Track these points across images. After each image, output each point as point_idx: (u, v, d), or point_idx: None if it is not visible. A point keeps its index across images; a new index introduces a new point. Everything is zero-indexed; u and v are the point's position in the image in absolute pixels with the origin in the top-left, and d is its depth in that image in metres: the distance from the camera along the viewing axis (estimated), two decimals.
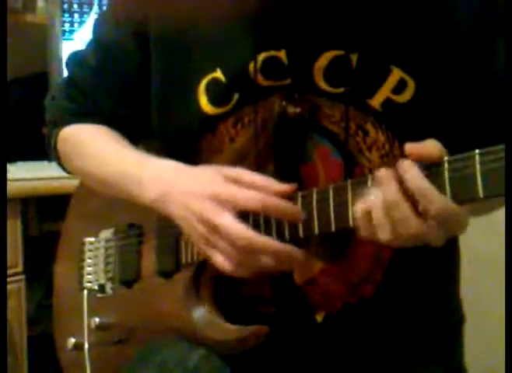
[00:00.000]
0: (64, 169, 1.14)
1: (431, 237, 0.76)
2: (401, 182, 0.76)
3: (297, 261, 0.86)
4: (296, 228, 0.86)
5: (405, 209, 0.75)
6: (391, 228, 0.76)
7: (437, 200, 0.73)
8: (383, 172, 0.77)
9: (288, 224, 0.86)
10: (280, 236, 0.87)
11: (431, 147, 0.75)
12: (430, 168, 0.75)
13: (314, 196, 0.84)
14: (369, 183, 0.79)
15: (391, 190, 0.76)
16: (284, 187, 0.86)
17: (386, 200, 0.76)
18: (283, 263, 0.86)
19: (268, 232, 0.87)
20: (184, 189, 0.89)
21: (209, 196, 0.86)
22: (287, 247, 0.85)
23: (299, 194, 0.86)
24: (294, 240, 0.86)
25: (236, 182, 0.87)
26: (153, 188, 0.92)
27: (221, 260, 0.86)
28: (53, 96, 1.14)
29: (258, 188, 0.86)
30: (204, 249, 0.88)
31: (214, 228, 0.85)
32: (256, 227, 0.88)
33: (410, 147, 0.76)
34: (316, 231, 0.84)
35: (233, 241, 0.84)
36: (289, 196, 0.86)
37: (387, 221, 0.76)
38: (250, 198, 0.85)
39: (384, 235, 0.77)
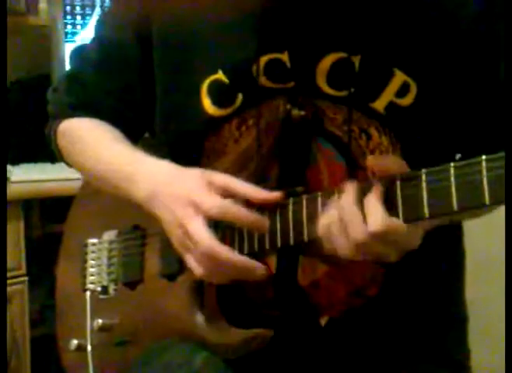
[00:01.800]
0: (65, 162, 1.14)
1: (381, 253, 0.77)
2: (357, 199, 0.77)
3: (258, 275, 0.86)
4: (287, 236, 0.86)
5: (357, 225, 0.76)
6: (348, 243, 0.77)
7: (381, 219, 0.74)
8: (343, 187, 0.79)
9: (280, 232, 0.86)
10: (271, 243, 0.87)
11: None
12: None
13: (304, 204, 0.85)
14: (336, 195, 0.80)
15: (347, 204, 0.77)
16: (271, 195, 0.87)
17: (342, 215, 0.77)
18: (243, 275, 0.87)
19: (260, 240, 0.88)
20: (171, 192, 0.90)
21: (190, 202, 0.87)
22: (244, 260, 0.86)
23: (291, 201, 0.86)
24: (297, 243, 0.86)
25: (223, 189, 0.87)
26: (144, 187, 0.93)
27: (193, 265, 0.88)
28: (55, 88, 1.14)
29: (245, 196, 0.86)
30: (181, 252, 0.90)
31: (186, 233, 0.87)
32: (250, 234, 0.88)
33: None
34: (305, 238, 0.84)
35: (198, 247, 0.85)
36: (281, 204, 0.86)
37: (343, 236, 0.77)
38: (212, 206, 0.86)
39: (342, 250, 0.78)
